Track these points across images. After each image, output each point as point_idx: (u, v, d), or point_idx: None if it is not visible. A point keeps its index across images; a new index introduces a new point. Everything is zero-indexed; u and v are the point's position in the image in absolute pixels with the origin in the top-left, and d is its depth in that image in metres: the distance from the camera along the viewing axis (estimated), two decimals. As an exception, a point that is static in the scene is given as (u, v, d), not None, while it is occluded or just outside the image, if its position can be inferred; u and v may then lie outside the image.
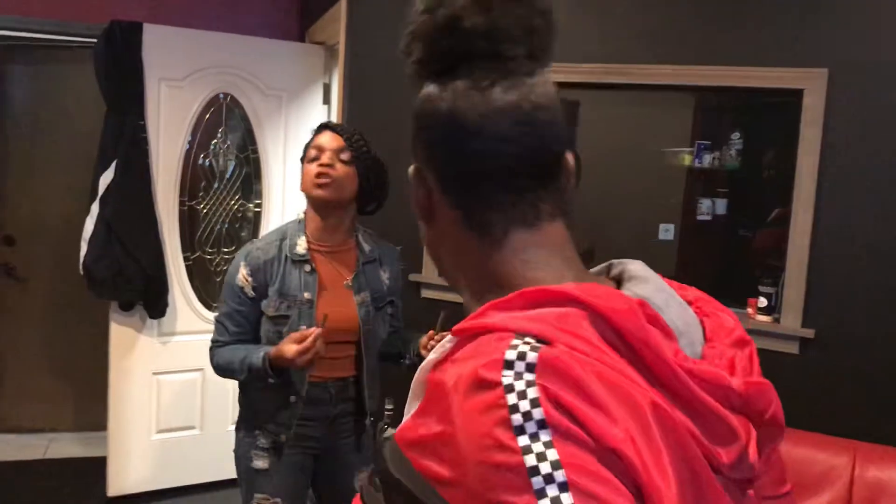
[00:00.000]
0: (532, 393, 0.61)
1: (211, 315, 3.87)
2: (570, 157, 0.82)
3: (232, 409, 3.81)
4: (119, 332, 3.75)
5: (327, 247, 2.32)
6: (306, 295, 2.24)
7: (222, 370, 2.30)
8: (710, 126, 3.50)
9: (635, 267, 0.81)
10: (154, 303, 3.73)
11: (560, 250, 0.80)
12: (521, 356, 0.64)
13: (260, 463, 2.31)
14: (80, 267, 3.59)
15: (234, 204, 4.12)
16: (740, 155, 3.27)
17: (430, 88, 0.80)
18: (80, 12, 4.00)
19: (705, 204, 3.40)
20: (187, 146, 3.86)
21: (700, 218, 3.41)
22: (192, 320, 3.88)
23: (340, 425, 2.37)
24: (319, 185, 2.23)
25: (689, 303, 0.81)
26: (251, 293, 2.26)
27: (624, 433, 0.61)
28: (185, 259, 3.92)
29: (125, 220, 3.59)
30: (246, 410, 2.39)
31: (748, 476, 0.72)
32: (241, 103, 3.96)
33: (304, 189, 2.29)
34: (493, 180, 0.77)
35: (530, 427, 0.60)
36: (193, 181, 3.96)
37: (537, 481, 0.58)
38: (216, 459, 3.86)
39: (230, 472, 3.58)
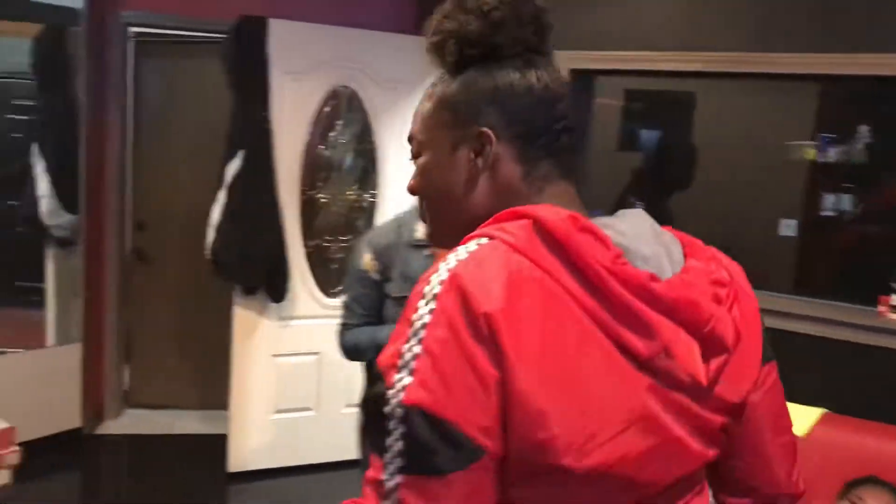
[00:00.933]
0: (444, 275, 0.83)
1: (328, 301, 4.00)
2: None
3: (345, 392, 3.93)
4: (242, 315, 3.91)
5: None
6: None
7: (351, 351, 2.38)
8: (834, 117, 3.37)
9: (626, 210, 0.99)
10: (276, 287, 3.87)
11: (573, 201, 0.98)
12: (465, 249, 0.86)
13: None
14: (208, 252, 3.77)
15: (351, 194, 4.23)
16: (868, 148, 3.14)
17: (511, 73, 0.98)
18: (209, 8, 4.19)
19: (829, 199, 3.28)
20: (308, 137, 3.98)
21: (824, 213, 3.29)
22: (310, 305, 4.01)
23: None
24: None
25: (684, 244, 0.98)
26: (376, 276, 2.32)
27: (501, 304, 0.79)
28: (305, 246, 4.05)
29: (250, 208, 3.73)
30: None
31: (687, 383, 0.86)
32: (359, 95, 4.06)
33: None
34: (564, 139, 0.98)
35: (429, 296, 0.83)
36: (313, 171, 4.09)
37: (411, 332, 0.82)
38: (330, 440, 3.98)
39: (343, 453, 3.72)
